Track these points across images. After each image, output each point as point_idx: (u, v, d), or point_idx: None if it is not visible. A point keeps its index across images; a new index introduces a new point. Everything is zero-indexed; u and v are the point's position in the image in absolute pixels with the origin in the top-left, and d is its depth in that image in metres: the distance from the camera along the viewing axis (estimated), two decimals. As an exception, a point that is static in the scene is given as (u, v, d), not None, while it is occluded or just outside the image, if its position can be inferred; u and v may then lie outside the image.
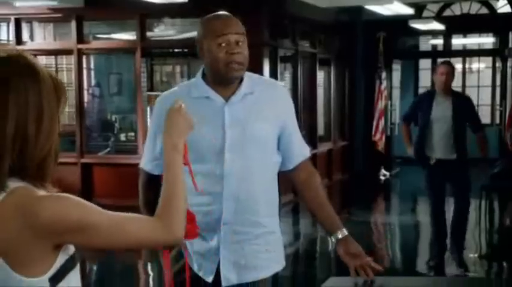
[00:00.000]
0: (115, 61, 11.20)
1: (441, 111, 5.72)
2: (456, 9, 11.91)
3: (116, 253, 6.09)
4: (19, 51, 1.51)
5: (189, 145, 2.40)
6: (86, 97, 9.65)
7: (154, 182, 2.41)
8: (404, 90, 13.11)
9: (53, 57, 9.49)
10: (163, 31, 9.46)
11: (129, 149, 9.45)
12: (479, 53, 13.96)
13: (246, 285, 2.43)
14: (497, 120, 12.76)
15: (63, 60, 9.93)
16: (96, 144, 9.83)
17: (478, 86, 13.74)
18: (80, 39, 8.82)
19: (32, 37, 9.18)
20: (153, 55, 9.21)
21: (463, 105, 5.80)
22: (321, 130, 10.70)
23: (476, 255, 6.25)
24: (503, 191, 7.39)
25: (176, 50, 9.56)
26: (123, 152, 9.49)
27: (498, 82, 12.96)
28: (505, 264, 6.11)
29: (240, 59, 2.32)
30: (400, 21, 10.60)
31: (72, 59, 8.93)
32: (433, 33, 12.67)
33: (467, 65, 13.89)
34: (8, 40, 9.33)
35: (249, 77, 2.45)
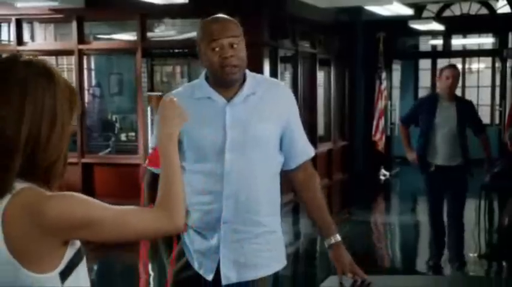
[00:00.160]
0: (115, 61, 11.21)
1: (446, 117, 5.47)
2: (456, 10, 11.92)
3: (115, 253, 6.13)
4: (37, 56, 1.54)
5: (191, 144, 2.44)
6: (86, 97, 9.68)
7: (158, 182, 2.42)
8: (404, 90, 13.13)
9: (54, 57, 9.50)
10: (163, 32, 9.48)
11: (129, 149, 9.47)
12: (479, 53, 13.97)
13: (245, 283, 2.44)
14: (497, 121, 12.76)
15: (64, 60, 9.94)
16: (96, 144, 9.85)
17: (478, 87, 13.76)
18: (81, 39, 8.84)
19: (32, 37, 9.21)
20: (153, 55, 9.21)
21: (466, 110, 5.59)
22: (321, 130, 10.71)
23: (475, 255, 6.26)
24: (503, 191, 7.39)
25: (176, 51, 9.57)
26: (124, 152, 9.51)
27: (498, 82, 12.96)
28: (504, 264, 6.12)
29: (234, 62, 2.34)
30: (399, 22, 10.62)
31: (73, 59, 8.96)
32: (433, 34, 12.68)
33: (466, 66, 13.90)
34: (9, 40, 9.36)
35: (252, 77, 2.47)
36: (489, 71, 13.51)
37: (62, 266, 1.45)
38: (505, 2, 11.26)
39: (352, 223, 8.10)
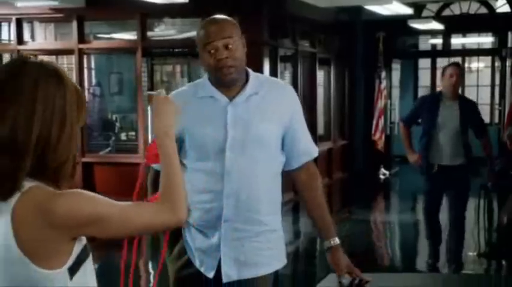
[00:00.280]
0: (116, 61, 11.22)
1: (449, 116, 5.36)
2: (455, 9, 11.94)
3: (115, 253, 6.13)
4: (37, 56, 1.57)
5: (193, 143, 2.46)
6: (86, 97, 9.69)
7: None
8: (403, 89, 13.14)
9: (54, 57, 9.52)
10: (163, 31, 9.49)
11: (129, 148, 9.49)
12: (479, 52, 13.99)
13: (246, 281, 2.46)
14: (497, 120, 12.78)
15: (64, 60, 9.95)
16: (97, 143, 9.87)
17: (477, 86, 13.78)
18: (81, 39, 8.85)
19: (33, 37, 9.22)
20: (153, 55, 9.23)
21: (470, 109, 5.48)
22: (321, 129, 10.73)
23: (475, 253, 6.27)
24: (502, 190, 7.40)
25: (177, 50, 9.58)
26: (124, 151, 9.53)
27: (497, 81, 12.98)
28: (503, 262, 6.14)
29: (230, 63, 2.36)
30: (399, 21, 10.63)
31: (73, 58, 8.97)
32: (433, 33, 12.70)
33: (466, 65, 13.91)
34: (9, 40, 9.37)
35: (255, 77, 2.49)
36: (488, 70, 13.54)
37: (70, 262, 1.48)
38: (505, 1, 11.27)
39: (352, 222, 8.12)
